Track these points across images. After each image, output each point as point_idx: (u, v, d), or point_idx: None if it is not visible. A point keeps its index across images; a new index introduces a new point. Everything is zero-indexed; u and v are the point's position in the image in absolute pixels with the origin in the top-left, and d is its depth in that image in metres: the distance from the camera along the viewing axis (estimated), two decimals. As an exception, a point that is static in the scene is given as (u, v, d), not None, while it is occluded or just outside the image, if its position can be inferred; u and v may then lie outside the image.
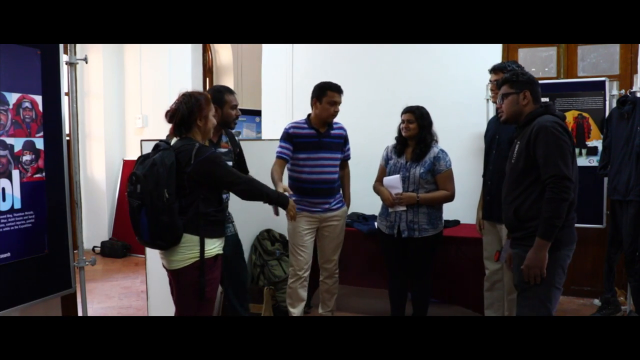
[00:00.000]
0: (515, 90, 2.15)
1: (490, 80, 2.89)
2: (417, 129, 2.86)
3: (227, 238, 2.45)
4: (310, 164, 2.96)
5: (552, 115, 2.09)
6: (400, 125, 2.94)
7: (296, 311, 3.10)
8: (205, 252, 2.10)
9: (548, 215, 1.95)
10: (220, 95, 2.66)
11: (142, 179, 2.04)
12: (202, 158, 2.07)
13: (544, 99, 3.59)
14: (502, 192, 2.25)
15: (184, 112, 2.12)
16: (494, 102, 2.89)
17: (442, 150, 2.90)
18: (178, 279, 2.14)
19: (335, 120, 3.07)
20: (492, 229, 2.89)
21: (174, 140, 2.16)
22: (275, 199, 2.34)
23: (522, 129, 2.15)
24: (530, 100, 2.14)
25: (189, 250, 2.09)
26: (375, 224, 3.12)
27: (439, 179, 2.85)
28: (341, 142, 3.08)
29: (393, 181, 2.87)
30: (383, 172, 3.02)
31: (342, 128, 3.11)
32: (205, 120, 2.17)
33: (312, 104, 3.01)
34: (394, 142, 3.02)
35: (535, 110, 2.12)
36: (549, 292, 2.02)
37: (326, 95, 2.94)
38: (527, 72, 2.24)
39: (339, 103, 2.98)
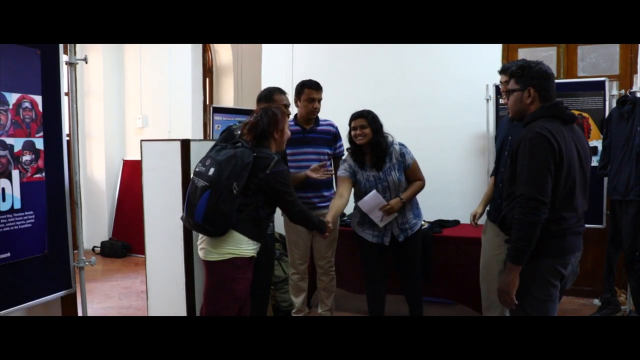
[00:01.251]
0: (520, 87, 1.95)
1: (500, 82, 2.74)
2: (371, 133, 2.74)
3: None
4: (296, 159, 3.05)
5: (551, 118, 1.88)
6: (350, 133, 2.80)
7: (298, 301, 3.23)
8: (243, 251, 2.21)
9: (515, 237, 1.81)
10: (269, 95, 2.75)
11: (219, 164, 2.12)
12: (277, 171, 2.21)
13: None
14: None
15: (264, 125, 2.26)
16: (506, 103, 2.77)
17: (401, 144, 2.83)
18: (211, 272, 2.24)
19: (333, 118, 3.15)
20: (494, 230, 2.75)
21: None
22: (316, 226, 2.48)
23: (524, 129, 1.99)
24: (535, 98, 1.92)
25: (231, 245, 2.19)
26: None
27: (410, 173, 2.82)
28: (329, 138, 3.14)
29: (373, 199, 2.73)
30: (345, 183, 2.82)
31: (331, 125, 3.18)
32: (282, 133, 2.33)
33: (294, 103, 3.12)
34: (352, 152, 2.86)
35: (534, 112, 1.92)
36: (532, 305, 1.89)
37: (304, 93, 3.03)
38: (539, 65, 1.96)
39: (317, 99, 3.05)
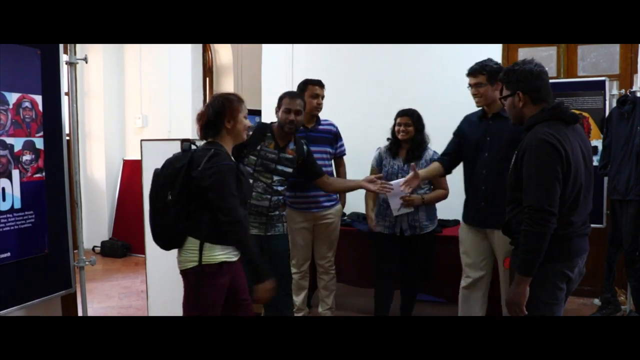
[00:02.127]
0: (510, 92, 1.91)
1: (469, 85, 2.63)
2: (414, 132, 2.92)
3: (276, 237, 2.59)
4: None
5: (553, 120, 1.83)
6: (394, 127, 2.98)
7: (298, 300, 3.22)
8: (207, 257, 2.01)
9: (523, 249, 1.78)
10: (279, 99, 2.75)
11: (156, 177, 2.05)
12: (207, 167, 1.95)
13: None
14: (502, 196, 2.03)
15: (210, 114, 2.05)
16: (479, 106, 2.65)
17: (436, 152, 2.97)
18: (184, 282, 2.11)
19: (334, 118, 3.19)
20: (479, 235, 2.65)
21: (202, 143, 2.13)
22: (254, 266, 2.07)
23: (526, 133, 1.90)
24: (526, 101, 1.88)
25: (190, 253, 2.03)
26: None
27: (436, 179, 2.92)
28: (330, 137, 3.16)
29: (399, 186, 2.78)
30: (375, 174, 2.98)
31: (331, 124, 3.20)
32: (234, 122, 2.06)
33: None
34: (385, 143, 3.06)
35: (535, 116, 1.86)
36: (539, 309, 1.86)
37: (307, 89, 3.05)
38: (524, 66, 1.90)
39: (320, 95, 3.07)
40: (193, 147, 2.11)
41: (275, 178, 2.67)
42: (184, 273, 2.07)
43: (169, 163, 2.06)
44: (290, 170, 2.72)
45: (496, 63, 2.57)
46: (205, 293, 2.04)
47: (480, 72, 2.55)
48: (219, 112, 2.05)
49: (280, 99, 2.76)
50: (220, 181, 1.96)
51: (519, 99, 1.88)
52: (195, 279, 2.03)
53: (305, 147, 2.81)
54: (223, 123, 2.06)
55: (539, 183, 1.75)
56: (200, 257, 2.01)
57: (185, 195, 2.00)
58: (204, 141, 2.12)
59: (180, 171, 1.99)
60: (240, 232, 2.01)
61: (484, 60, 2.59)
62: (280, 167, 2.68)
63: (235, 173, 2.04)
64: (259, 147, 2.64)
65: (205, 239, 2.02)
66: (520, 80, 1.87)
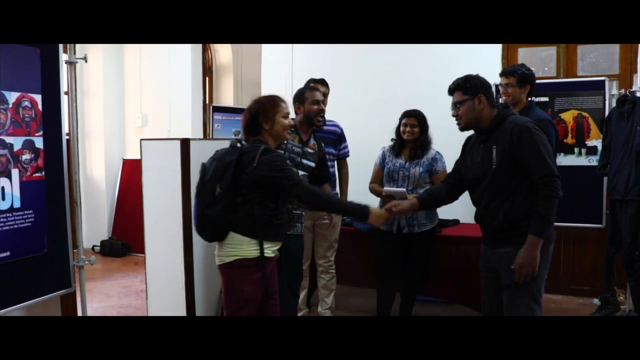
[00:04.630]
0: (470, 96, 2.13)
1: (500, 84, 2.80)
2: (419, 132, 2.96)
3: (294, 236, 2.61)
4: None
5: (513, 115, 2.12)
6: (399, 128, 3.00)
7: (298, 299, 3.19)
8: (244, 252, 2.10)
9: (545, 213, 1.97)
10: (300, 93, 2.74)
11: (204, 169, 2.12)
12: (264, 158, 2.06)
13: (543, 99, 3.65)
14: (476, 198, 2.22)
15: (248, 118, 2.18)
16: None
17: (439, 152, 3.02)
18: (223, 276, 2.17)
19: (335, 119, 3.18)
20: None
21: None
22: (349, 210, 2.36)
23: (488, 133, 2.12)
24: (486, 105, 2.12)
25: (231, 248, 2.11)
26: None
27: (436, 179, 2.96)
28: (334, 138, 3.16)
29: (398, 193, 2.81)
30: (379, 173, 3.09)
31: (337, 126, 3.21)
32: (272, 123, 2.17)
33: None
34: (390, 143, 3.09)
35: (501, 112, 2.12)
36: (540, 288, 2.07)
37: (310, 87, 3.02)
38: (480, 77, 2.18)
39: (325, 94, 3.07)
40: (239, 144, 2.17)
41: (301, 173, 2.64)
42: (224, 267, 2.14)
43: (219, 157, 2.12)
44: (313, 164, 2.71)
45: (528, 69, 2.75)
46: (247, 285, 2.11)
47: (513, 74, 2.71)
48: (255, 115, 2.17)
49: (301, 93, 2.73)
50: (281, 167, 2.11)
51: (479, 101, 2.12)
52: (237, 272, 2.12)
53: (322, 143, 2.83)
54: (261, 124, 2.17)
55: (547, 154, 1.99)
56: (242, 251, 2.10)
57: (234, 189, 2.07)
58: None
59: (230, 165, 2.06)
60: (322, 196, 2.23)
61: (517, 65, 2.80)
62: (305, 161, 2.68)
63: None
64: (285, 142, 2.64)
65: (250, 235, 2.10)
66: (482, 86, 2.14)
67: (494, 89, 2.32)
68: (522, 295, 2.04)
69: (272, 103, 2.19)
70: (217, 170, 2.07)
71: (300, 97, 2.71)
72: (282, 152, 2.60)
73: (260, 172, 2.06)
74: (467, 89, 2.13)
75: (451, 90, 2.19)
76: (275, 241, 2.19)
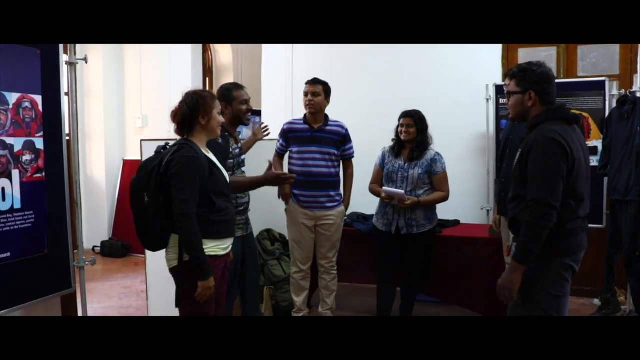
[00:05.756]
0: (521, 90, 1.96)
1: (505, 85, 2.82)
2: (416, 133, 2.97)
3: (252, 234, 2.58)
4: (301, 157, 3.09)
5: (557, 120, 1.89)
6: (398, 128, 3.03)
7: (299, 300, 3.23)
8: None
9: (523, 240, 1.84)
10: (228, 93, 2.71)
11: (130, 186, 2.09)
12: (170, 159, 1.96)
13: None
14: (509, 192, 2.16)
15: (185, 111, 2.07)
16: (506, 103, 2.82)
17: (438, 153, 3.02)
18: (174, 280, 2.10)
19: (336, 118, 3.18)
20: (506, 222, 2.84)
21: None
22: (199, 263, 1.96)
23: (529, 132, 1.99)
24: (536, 101, 1.93)
25: (173, 251, 2.04)
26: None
27: (436, 181, 2.98)
28: (337, 139, 3.14)
29: (397, 193, 2.90)
30: (379, 173, 3.11)
31: (341, 126, 3.18)
32: (209, 118, 2.08)
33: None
34: (390, 143, 3.10)
35: (540, 115, 1.92)
36: (548, 301, 1.90)
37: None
38: (542, 68, 1.95)
39: (313, 92, 3.05)
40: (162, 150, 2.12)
41: (243, 169, 2.76)
42: (172, 271, 2.08)
43: (142, 166, 2.08)
44: (244, 157, 2.81)
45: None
46: (193, 290, 1.99)
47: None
48: (193, 109, 2.07)
49: (229, 92, 2.70)
50: (180, 172, 1.94)
51: (530, 97, 1.94)
52: (183, 276, 2.03)
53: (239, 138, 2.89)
54: (197, 119, 2.08)
55: (544, 178, 1.81)
56: (181, 253, 2.00)
57: (161, 194, 1.99)
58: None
59: (153, 172, 2.00)
60: (187, 225, 1.93)
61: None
62: (243, 158, 2.79)
63: (204, 164, 2.02)
64: (231, 149, 2.65)
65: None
66: (537, 81, 1.93)
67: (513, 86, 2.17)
68: (531, 308, 1.93)
69: (210, 97, 2.11)
70: (141, 180, 2.03)
71: (226, 97, 2.68)
72: (231, 161, 2.62)
73: (166, 171, 1.96)
74: (521, 81, 1.95)
75: (507, 76, 2.05)
76: (219, 239, 2.08)
